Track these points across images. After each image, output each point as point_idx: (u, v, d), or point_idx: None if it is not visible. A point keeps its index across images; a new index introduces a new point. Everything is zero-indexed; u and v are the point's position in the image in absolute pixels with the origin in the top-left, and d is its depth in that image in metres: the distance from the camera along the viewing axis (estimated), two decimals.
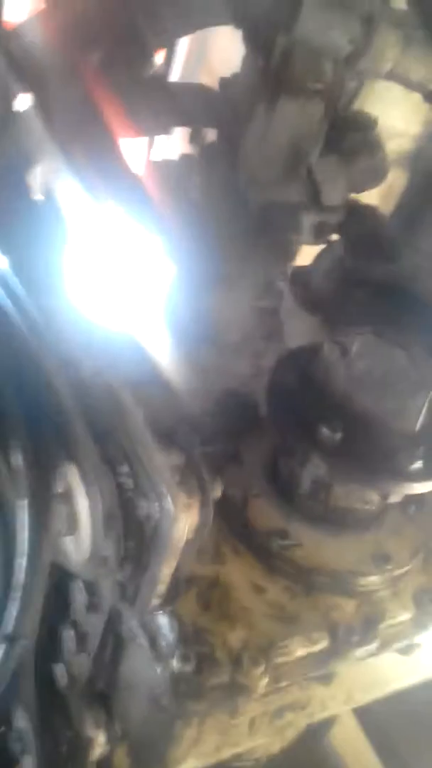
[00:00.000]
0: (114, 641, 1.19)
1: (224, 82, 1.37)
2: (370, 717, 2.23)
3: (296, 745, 1.65)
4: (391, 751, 2.30)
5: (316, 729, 2.08)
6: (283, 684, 1.05)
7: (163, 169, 1.51)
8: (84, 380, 1.11)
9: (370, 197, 1.58)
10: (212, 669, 1.00)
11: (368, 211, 1.37)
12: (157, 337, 1.48)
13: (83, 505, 0.95)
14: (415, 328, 0.94)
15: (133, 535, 0.94)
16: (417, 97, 1.33)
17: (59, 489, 1.02)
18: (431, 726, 2.32)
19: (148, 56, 1.50)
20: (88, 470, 0.95)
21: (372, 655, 1.11)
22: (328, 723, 2.20)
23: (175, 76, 3.15)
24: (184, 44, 3.22)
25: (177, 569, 0.97)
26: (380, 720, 2.24)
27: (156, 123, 1.55)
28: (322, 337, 1.08)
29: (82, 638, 1.27)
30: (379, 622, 1.11)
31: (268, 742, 1.39)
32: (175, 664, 0.99)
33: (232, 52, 1.53)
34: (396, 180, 1.38)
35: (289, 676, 1.05)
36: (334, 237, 1.37)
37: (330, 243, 1.08)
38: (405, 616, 1.14)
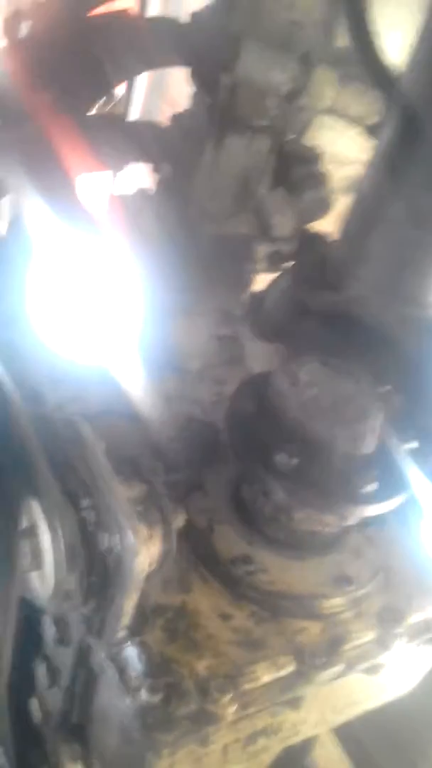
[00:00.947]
0: (85, 674, 1.19)
1: (175, 119, 1.41)
2: (348, 734, 2.23)
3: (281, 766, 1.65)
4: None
5: (298, 751, 2.08)
6: (252, 710, 1.06)
7: (121, 203, 1.54)
8: (46, 414, 1.13)
9: (325, 224, 1.62)
10: (180, 699, 1.00)
11: (319, 240, 1.41)
12: (124, 366, 1.50)
13: (46, 540, 0.96)
14: (362, 355, 0.97)
15: (96, 568, 0.95)
16: None
17: (23, 524, 1.03)
18: (409, 741, 2.33)
19: (107, 91, 1.54)
20: (49, 505, 0.96)
21: (338, 677, 1.12)
22: (308, 744, 2.20)
23: (136, 108, 3.21)
24: (144, 77, 3.27)
25: (142, 600, 0.98)
26: (359, 737, 2.25)
27: (117, 159, 1.59)
28: (276, 365, 1.11)
29: (53, 672, 1.27)
30: (343, 644, 1.12)
31: None
32: (143, 695, 0.99)
33: (189, 85, 1.57)
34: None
35: (257, 702, 1.06)
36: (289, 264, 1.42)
37: (280, 273, 1.11)
38: (369, 636, 1.15)
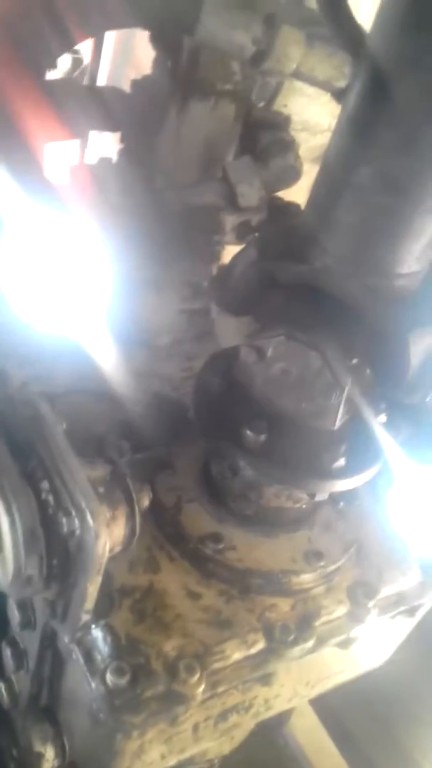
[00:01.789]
0: (52, 657, 1.17)
1: (138, 84, 1.35)
2: (324, 705, 2.26)
3: (255, 737, 1.66)
4: (347, 737, 2.34)
5: (273, 723, 2.10)
6: (222, 689, 1.05)
7: (84, 172, 1.48)
8: (6, 392, 1.09)
9: (297, 194, 1.58)
10: (148, 680, 0.99)
11: (287, 209, 1.37)
12: (92, 341, 1.46)
13: (4, 523, 0.93)
14: (330, 328, 0.94)
15: (57, 552, 0.92)
16: None
17: None
18: (384, 710, 2.37)
19: (68, 48, 1.47)
20: (7, 487, 0.93)
21: (309, 652, 1.12)
22: (284, 716, 2.23)
23: (102, 75, 3.11)
24: (110, 43, 3.17)
25: (106, 582, 0.95)
26: (335, 707, 2.28)
27: (81, 125, 1.53)
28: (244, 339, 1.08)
29: (20, 656, 1.25)
30: (314, 619, 1.12)
31: (216, 744, 1.39)
32: (109, 677, 0.97)
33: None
34: None
35: (227, 680, 1.05)
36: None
37: (246, 244, 1.08)
38: (340, 610, 1.15)
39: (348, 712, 2.36)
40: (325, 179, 0.93)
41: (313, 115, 2.03)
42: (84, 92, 1.55)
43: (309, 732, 2.32)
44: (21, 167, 1.45)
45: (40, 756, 1.27)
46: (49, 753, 1.27)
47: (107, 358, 1.45)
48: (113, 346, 1.47)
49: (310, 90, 2.00)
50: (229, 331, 1.58)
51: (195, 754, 1.32)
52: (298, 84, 1.96)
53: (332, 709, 2.31)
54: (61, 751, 1.27)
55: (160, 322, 1.50)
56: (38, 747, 1.26)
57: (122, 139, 1.47)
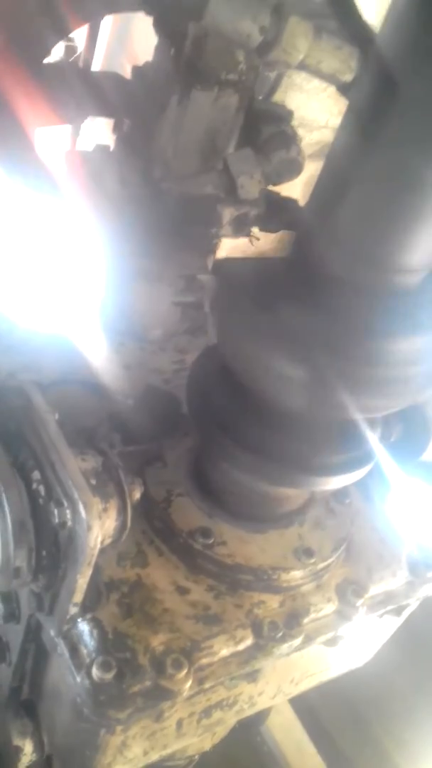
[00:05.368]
0: (36, 650, 1.15)
1: (138, 71, 1.33)
2: (302, 703, 2.26)
3: (233, 734, 1.66)
4: (324, 735, 2.34)
5: (253, 719, 2.10)
6: (208, 685, 1.04)
7: (80, 159, 1.46)
8: None
9: (292, 189, 1.57)
10: (134, 675, 0.97)
11: (287, 203, 1.36)
12: (84, 333, 1.44)
13: None
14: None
15: (46, 544, 0.91)
16: None
17: None
18: (361, 708, 2.38)
19: (64, 35, 1.44)
20: None
21: (297, 649, 1.11)
22: (263, 714, 2.22)
23: (97, 62, 3.08)
24: (106, 30, 3.13)
25: (95, 575, 0.94)
26: (312, 705, 2.28)
27: (76, 112, 1.51)
28: None
29: (2, 648, 1.23)
30: (303, 617, 1.11)
31: (198, 740, 1.38)
32: (95, 672, 0.96)
33: (153, 38, 1.49)
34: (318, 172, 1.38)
35: (213, 676, 1.04)
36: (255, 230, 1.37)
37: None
38: (329, 608, 1.14)
39: (325, 709, 2.36)
40: (331, 172, 0.91)
41: (310, 112, 2.02)
42: (79, 76, 1.52)
43: (286, 729, 2.32)
44: (14, 151, 1.42)
45: (18, 750, 1.25)
46: (28, 747, 1.25)
47: (98, 350, 1.43)
48: (104, 338, 1.46)
49: (309, 86, 1.99)
50: None
51: (176, 750, 1.31)
52: (297, 79, 1.95)
53: (310, 706, 2.31)
54: (39, 746, 1.25)
55: (153, 314, 1.48)
56: (17, 741, 1.24)
57: (120, 127, 1.45)
